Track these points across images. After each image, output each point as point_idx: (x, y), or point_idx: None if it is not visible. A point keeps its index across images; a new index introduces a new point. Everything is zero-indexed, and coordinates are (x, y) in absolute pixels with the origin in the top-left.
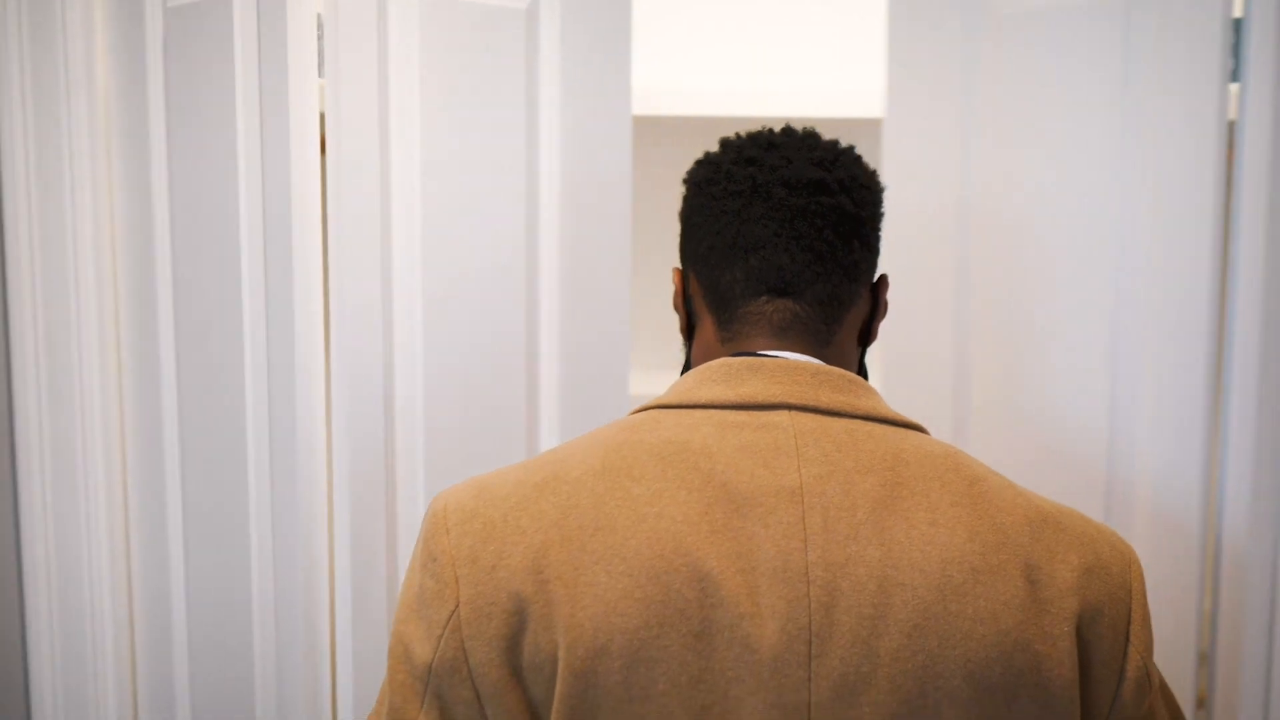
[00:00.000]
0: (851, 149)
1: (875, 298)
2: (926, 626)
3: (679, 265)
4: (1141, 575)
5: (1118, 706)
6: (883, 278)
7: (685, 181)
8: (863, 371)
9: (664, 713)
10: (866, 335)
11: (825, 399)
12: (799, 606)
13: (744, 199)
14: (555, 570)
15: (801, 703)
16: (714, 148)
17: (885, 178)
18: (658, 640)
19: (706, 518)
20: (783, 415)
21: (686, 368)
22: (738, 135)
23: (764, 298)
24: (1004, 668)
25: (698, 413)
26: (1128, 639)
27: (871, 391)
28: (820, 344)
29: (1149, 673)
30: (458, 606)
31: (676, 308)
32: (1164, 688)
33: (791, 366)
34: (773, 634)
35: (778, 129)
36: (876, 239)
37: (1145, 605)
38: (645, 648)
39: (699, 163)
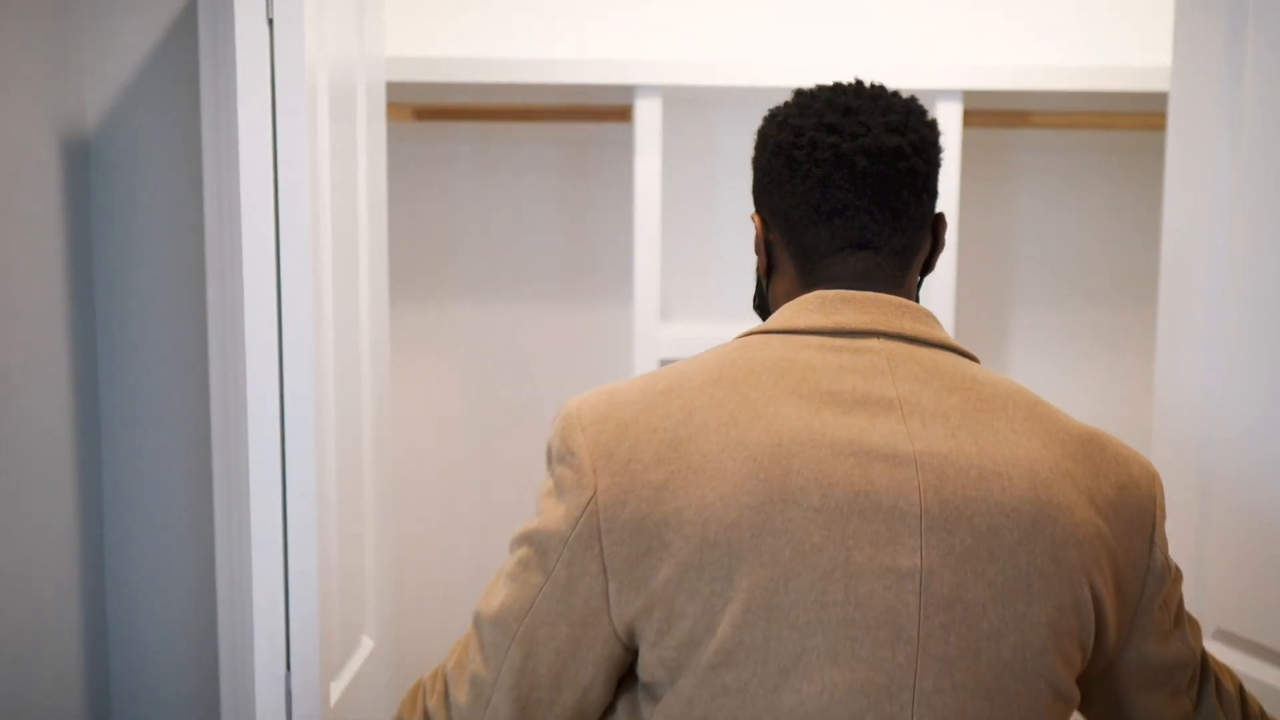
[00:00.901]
0: (915, 104)
1: (935, 236)
2: (1022, 510)
3: (756, 211)
4: (1162, 488)
5: (1146, 593)
6: (940, 216)
7: (763, 138)
8: (916, 299)
9: (791, 575)
10: (926, 268)
11: (909, 329)
12: (910, 486)
13: (828, 167)
14: (685, 461)
15: (914, 568)
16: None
17: None
18: (782, 514)
19: (818, 416)
20: (874, 341)
21: (760, 304)
22: (813, 94)
23: (845, 251)
24: (1078, 552)
25: (799, 337)
26: (1153, 541)
27: (940, 324)
28: (894, 287)
29: (1168, 565)
30: (595, 494)
31: (758, 252)
32: (1179, 576)
33: (879, 299)
34: (889, 507)
35: (848, 86)
36: (937, 186)
37: (1164, 511)
38: (771, 520)
39: (778, 124)
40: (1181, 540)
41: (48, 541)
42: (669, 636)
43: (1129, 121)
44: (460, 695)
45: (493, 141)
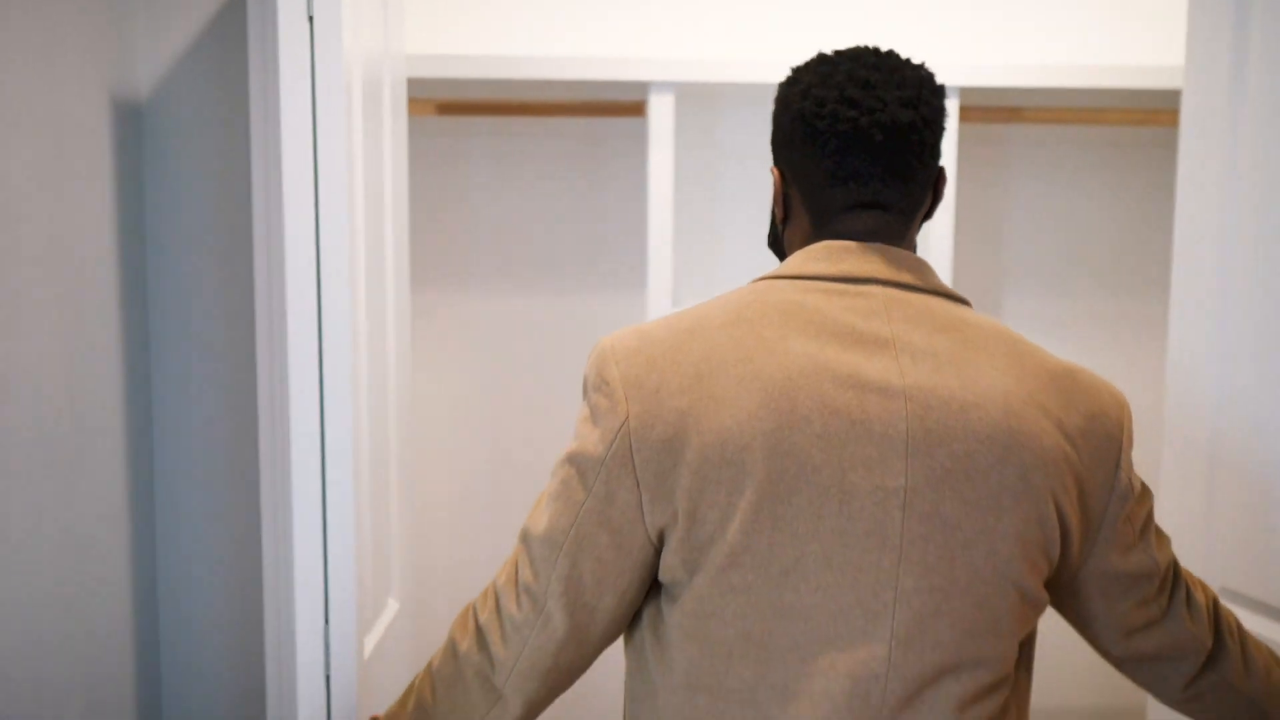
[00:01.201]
0: (928, 75)
1: (936, 191)
2: (995, 438)
3: (775, 165)
4: (1130, 417)
5: (1110, 510)
6: (941, 171)
7: (785, 101)
8: (914, 246)
9: (794, 491)
10: (926, 217)
11: (905, 277)
12: (899, 415)
13: (845, 139)
14: (706, 391)
15: (900, 488)
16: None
17: None
18: (790, 438)
19: (822, 352)
20: (874, 288)
21: (774, 244)
22: (835, 64)
23: (856, 210)
24: (1044, 474)
25: (805, 283)
26: (1118, 465)
27: (934, 271)
28: (898, 240)
29: (1131, 485)
30: (627, 419)
31: (775, 202)
32: (1145, 494)
33: (879, 250)
34: (879, 433)
35: (866, 54)
36: (940, 148)
37: (1131, 438)
38: (780, 443)
39: (800, 91)
40: (1192, 507)
41: (104, 499)
42: (689, 540)
43: (1117, 117)
44: (513, 607)
45: (510, 135)
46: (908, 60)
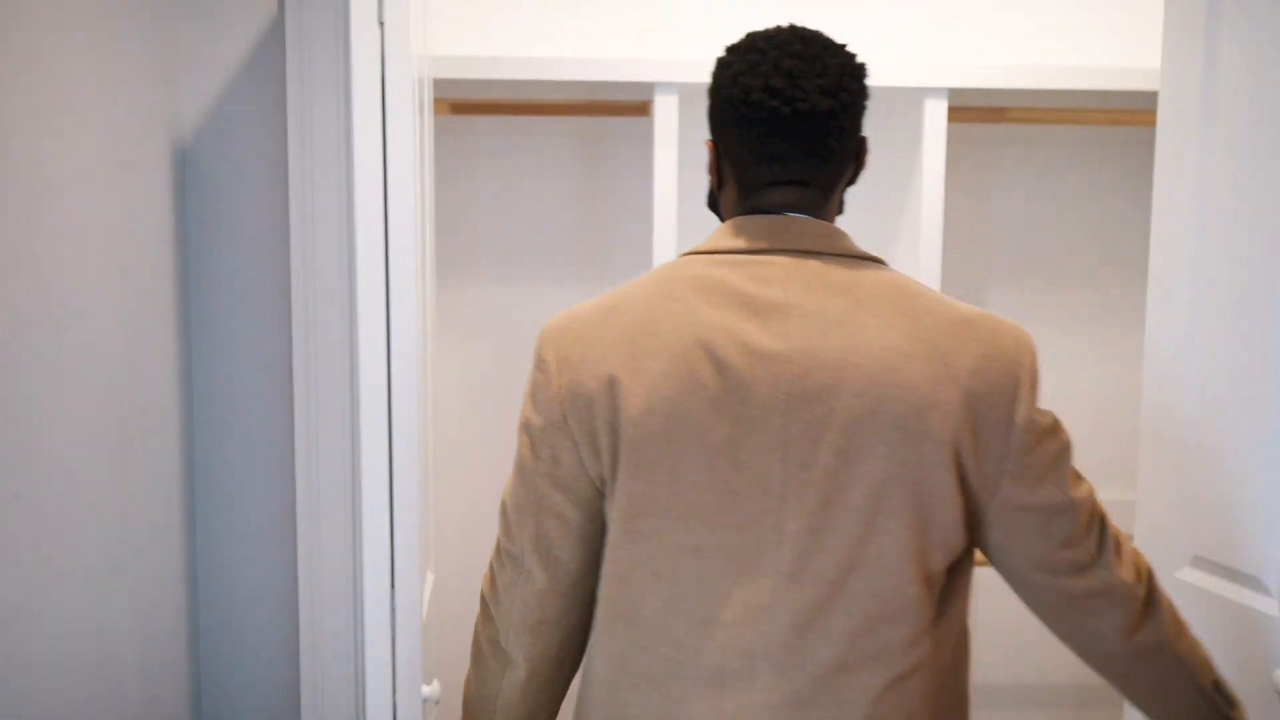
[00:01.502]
0: (849, 62)
1: (858, 160)
2: (869, 390)
3: (710, 139)
4: (1032, 355)
5: (1011, 445)
6: (863, 143)
7: (717, 83)
8: (841, 207)
9: (691, 448)
10: (850, 183)
11: (808, 244)
12: (784, 376)
13: (769, 125)
14: (623, 360)
15: (781, 442)
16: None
17: None
18: (687, 402)
19: (723, 323)
20: (778, 257)
21: (714, 208)
22: (763, 51)
23: (780, 186)
24: (917, 420)
25: (719, 256)
26: (1015, 399)
27: (845, 236)
28: (818, 210)
29: (1033, 420)
30: (560, 389)
31: (710, 172)
32: (1054, 431)
33: (786, 222)
34: (763, 395)
35: (793, 41)
36: (861, 123)
37: (1033, 375)
38: (679, 406)
39: (730, 77)
40: (1167, 482)
41: (159, 472)
42: (609, 490)
43: (1097, 117)
44: (502, 573)
45: (518, 134)
46: (832, 46)
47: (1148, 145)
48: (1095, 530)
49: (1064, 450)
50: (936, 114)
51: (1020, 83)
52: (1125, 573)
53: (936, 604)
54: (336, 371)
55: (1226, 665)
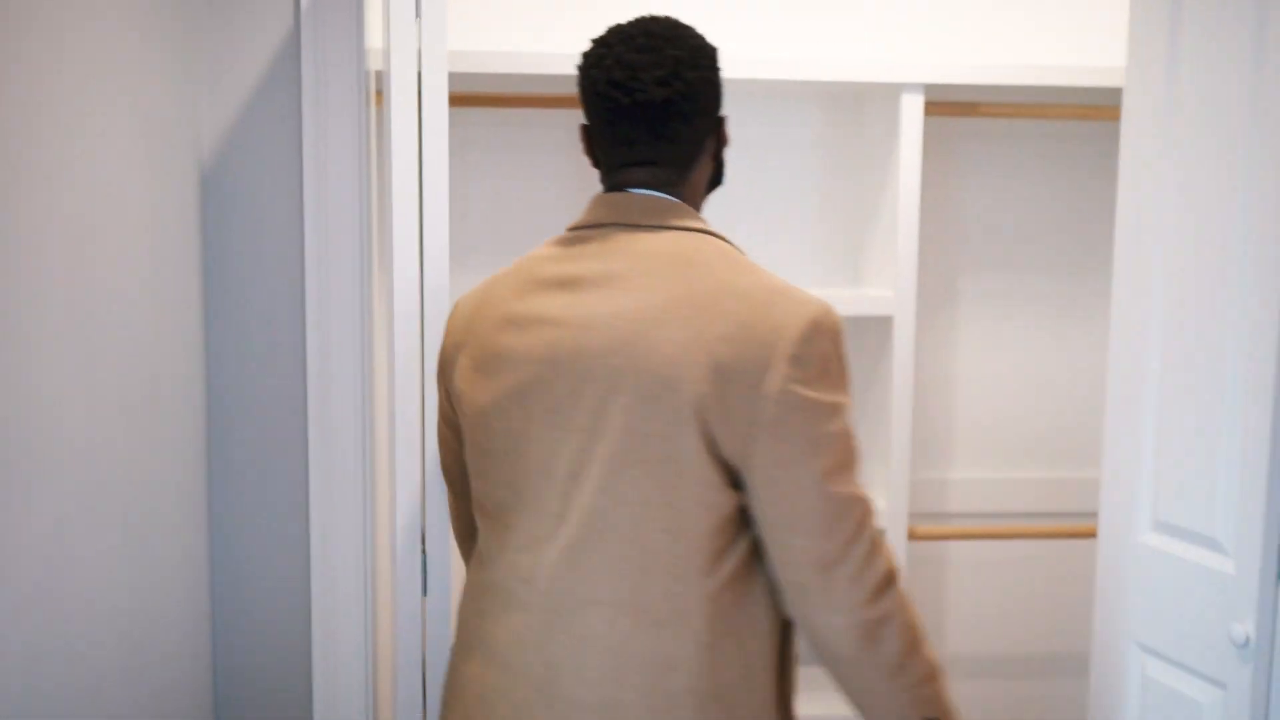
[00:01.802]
0: (687, 54)
1: (719, 136)
2: (623, 350)
3: (582, 124)
4: (803, 330)
5: (760, 414)
6: (720, 122)
7: (578, 73)
8: (718, 178)
9: (497, 403)
10: (715, 159)
11: (636, 218)
12: (562, 340)
13: (614, 114)
14: (469, 335)
15: (553, 397)
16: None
17: None
18: (494, 363)
19: (524, 299)
20: (609, 229)
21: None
22: (610, 45)
23: (633, 166)
24: (663, 382)
25: (567, 233)
26: (768, 368)
27: (677, 209)
28: (672, 187)
29: (790, 394)
30: (442, 350)
31: (586, 154)
32: (816, 411)
33: (626, 199)
34: (546, 357)
35: (638, 35)
36: (717, 98)
37: (796, 348)
38: (488, 365)
39: (583, 69)
40: (1134, 455)
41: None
42: (460, 436)
43: (1064, 112)
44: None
45: (508, 126)
46: (676, 37)
47: (1113, 139)
48: (842, 533)
49: (825, 437)
50: (913, 108)
51: (992, 79)
52: (856, 591)
53: (707, 563)
54: (350, 360)
55: (1188, 622)
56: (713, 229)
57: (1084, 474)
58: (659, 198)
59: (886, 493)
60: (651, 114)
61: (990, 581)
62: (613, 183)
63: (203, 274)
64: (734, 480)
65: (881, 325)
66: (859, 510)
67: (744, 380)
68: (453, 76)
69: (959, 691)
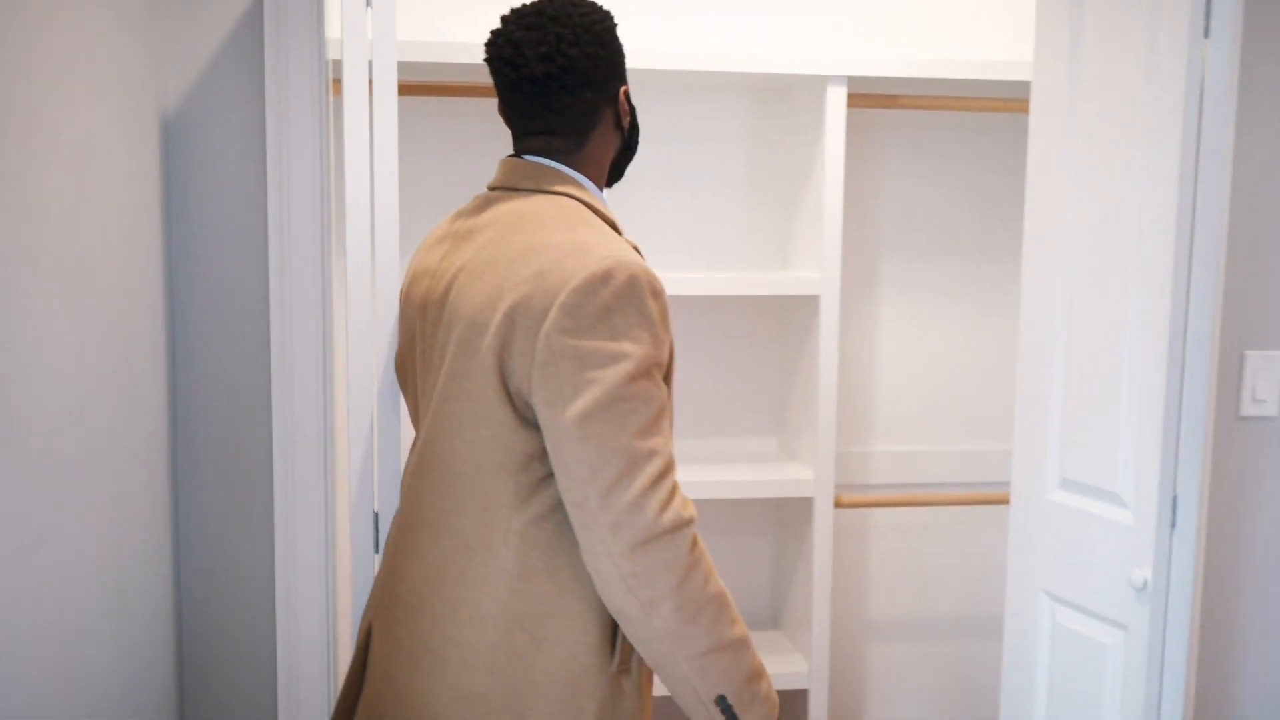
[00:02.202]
0: (568, 31)
1: (617, 108)
2: (456, 299)
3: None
4: (587, 282)
5: (536, 357)
6: (614, 91)
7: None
8: (632, 145)
9: (410, 336)
10: (620, 128)
11: (518, 182)
12: (432, 287)
13: (506, 88)
14: (408, 272)
15: (421, 337)
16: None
17: None
18: (407, 309)
19: (431, 248)
20: (498, 193)
21: None
22: (505, 21)
23: (532, 135)
24: (475, 329)
25: (482, 193)
26: (547, 314)
27: (551, 174)
28: (567, 153)
29: (558, 340)
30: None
31: (507, 124)
32: (582, 358)
33: (514, 164)
34: (427, 302)
35: (529, 14)
36: (610, 71)
37: (576, 296)
38: (406, 310)
39: (485, 45)
40: (1042, 420)
41: (148, 475)
42: None
43: (978, 104)
44: None
45: (450, 115)
46: (562, 16)
47: (1025, 130)
48: (603, 479)
49: (589, 382)
50: (837, 100)
51: (911, 73)
52: (615, 541)
53: (515, 498)
54: (311, 309)
55: (1092, 571)
56: (581, 194)
57: (999, 446)
58: (542, 164)
59: (814, 465)
60: (537, 88)
61: (913, 549)
62: (515, 149)
63: (169, 232)
64: (535, 421)
65: (807, 306)
66: (626, 460)
67: (529, 325)
68: (406, 66)
69: (884, 654)
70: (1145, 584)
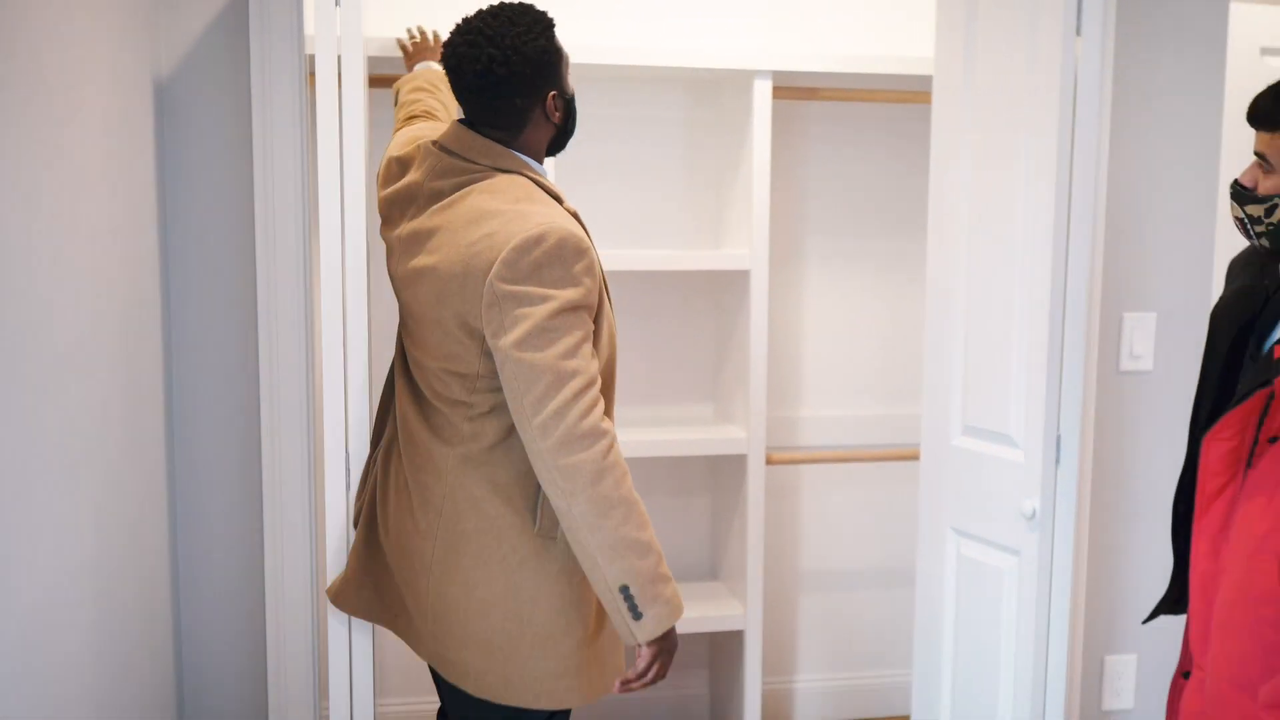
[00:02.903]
0: (500, 44)
1: (546, 109)
2: (430, 255)
3: None
4: (526, 242)
5: (485, 301)
6: (548, 95)
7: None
8: (567, 130)
9: (393, 274)
10: (556, 127)
11: (475, 156)
12: (415, 247)
13: (454, 89)
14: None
15: (401, 275)
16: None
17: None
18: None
19: (408, 210)
20: (459, 163)
21: None
22: (458, 31)
23: (480, 125)
24: (446, 281)
25: (435, 147)
26: (491, 267)
27: (512, 159)
28: (511, 139)
29: (497, 287)
30: None
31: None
32: (517, 299)
33: (468, 136)
34: (399, 257)
35: (470, 31)
36: (538, 82)
37: (513, 254)
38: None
39: (443, 45)
40: (946, 372)
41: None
42: None
43: (891, 96)
44: None
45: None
46: (497, 34)
47: (927, 120)
48: (533, 391)
49: (521, 317)
50: (763, 93)
51: (830, 67)
52: (545, 439)
53: (464, 421)
54: (292, 278)
55: (990, 505)
56: (529, 171)
57: (917, 409)
58: (494, 145)
59: (746, 428)
60: (475, 96)
61: (839, 505)
62: (467, 119)
63: (162, 197)
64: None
65: (739, 280)
66: (552, 375)
67: (480, 276)
68: (375, 60)
69: (814, 600)
70: (1034, 513)
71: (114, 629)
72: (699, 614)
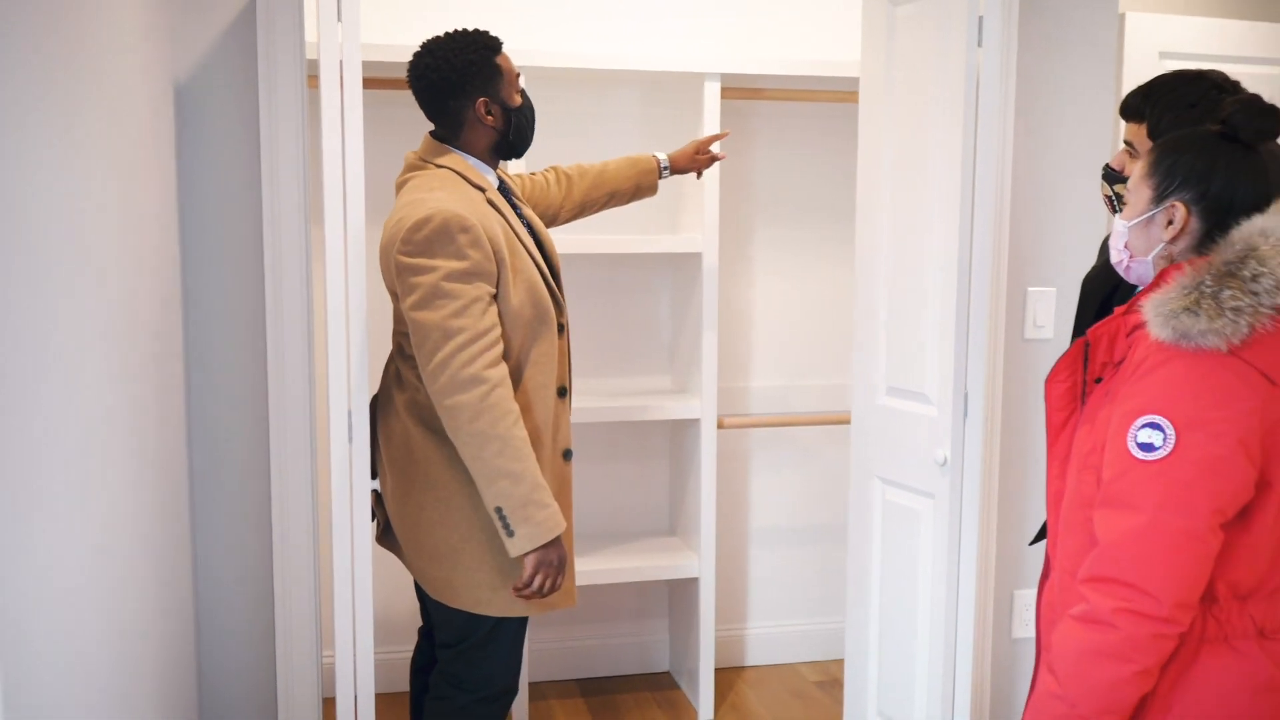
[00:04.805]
0: (429, 63)
1: (478, 114)
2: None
3: None
4: (414, 221)
5: (393, 269)
6: (479, 103)
7: None
8: (510, 136)
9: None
10: (498, 132)
11: (426, 155)
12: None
13: (417, 94)
14: None
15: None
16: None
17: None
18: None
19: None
20: (415, 160)
21: None
22: (424, 47)
23: (437, 130)
24: (384, 259)
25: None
26: (394, 245)
27: (445, 154)
28: (456, 138)
29: (399, 260)
30: None
31: None
32: (411, 270)
33: (426, 139)
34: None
35: (422, 51)
36: (466, 95)
37: (409, 233)
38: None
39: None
40: (872, 338)
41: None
42: None
43: (828, 96)
44: None
45: (395, 105)
46: (430, 66)
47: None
48: (424, 345)
49: (416, 285)
50: (713, 93)
51: (773, 70)
52: (431, 383)
53: (410, 373)
54: (297, 271)
55: (909, 455)
56: (458, 165)
57: (843, 381)
58: (440, 145)
59: (700, 397)
60: (420, 99)
61: (785, 467)
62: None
63: (180, 194)
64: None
65: (693, 262)
66: (440, 333)
67: (390, 252)
68: (373, 65)
69: (762, 554)
70: (945, 460)
71: (135, 614)
72: (657, 563)
